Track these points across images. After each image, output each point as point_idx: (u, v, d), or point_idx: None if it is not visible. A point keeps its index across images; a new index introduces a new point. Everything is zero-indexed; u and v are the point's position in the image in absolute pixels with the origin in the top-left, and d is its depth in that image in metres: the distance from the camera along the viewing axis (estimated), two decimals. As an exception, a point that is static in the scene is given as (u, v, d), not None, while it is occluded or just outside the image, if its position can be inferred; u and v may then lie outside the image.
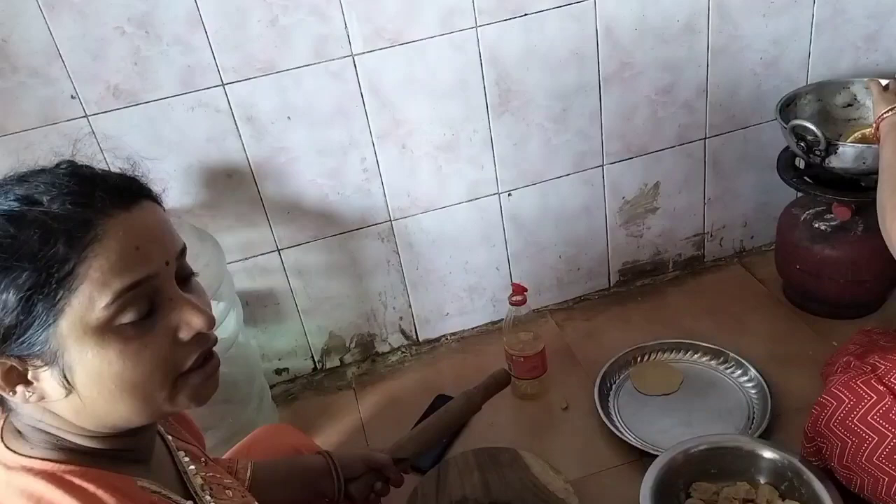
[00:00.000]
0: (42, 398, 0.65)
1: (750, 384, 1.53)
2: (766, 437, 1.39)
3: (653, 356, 1.64)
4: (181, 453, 0.84)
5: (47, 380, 0.64)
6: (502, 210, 1.68)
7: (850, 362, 1.28)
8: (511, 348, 1.56)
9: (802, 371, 1.52)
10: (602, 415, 1.49)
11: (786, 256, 1.68)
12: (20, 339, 0.62)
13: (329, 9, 1.37)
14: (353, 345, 1.77)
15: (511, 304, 1.53)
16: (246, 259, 1.58)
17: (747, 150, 1.75)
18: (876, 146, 1.30)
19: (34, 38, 1.27)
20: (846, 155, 1.42)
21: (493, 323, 1.82)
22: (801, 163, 1.56)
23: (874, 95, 1.35)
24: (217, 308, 1.38)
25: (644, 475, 1.24)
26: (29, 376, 0.64)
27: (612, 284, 1.87)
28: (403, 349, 1.80)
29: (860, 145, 1.41)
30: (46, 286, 0.61)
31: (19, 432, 0.69)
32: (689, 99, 1.65)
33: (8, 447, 0.68)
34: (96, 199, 0.64)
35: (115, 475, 0.67)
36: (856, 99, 1.62)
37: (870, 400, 1.13)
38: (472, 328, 1.83)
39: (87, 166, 0.69)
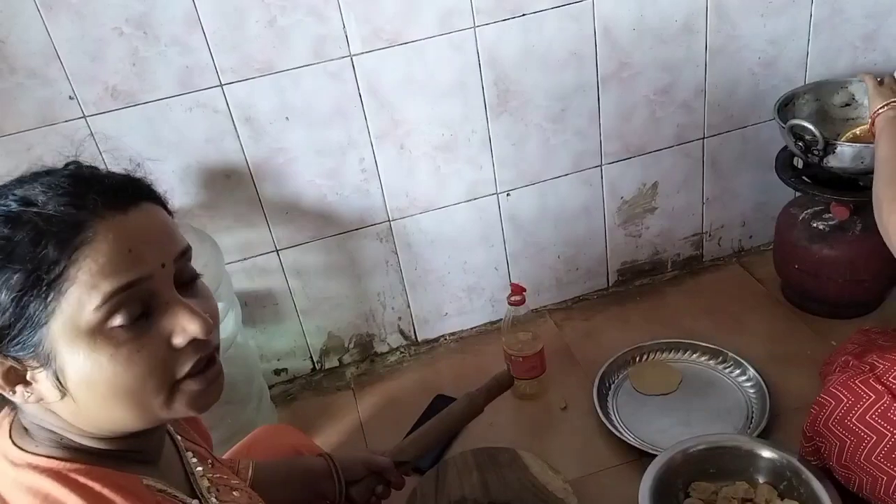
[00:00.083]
0: (40, 399, 0.65)
1: (748, 384, 1.53)
2: (765, 436, 1.39)
3: (651, 356, 1.64)
4: (189, 454, 0.83)
5: (43, 381, 0.64)
6: (501, 210, 1.68)
7: (849, 362, 1.28)
8: (510, 348, 1.56)
9: (801, 370, 1.52)
10: (601, 415, 1.49)
11: (784, 256, 1.68)
12: (14, 340, 0.62)
13: (327, 9, 1.37)
14: (351, 345, 1.77)
15: (510, 304, 1.53)
16: (244, 259, 1.58)
17: (745, 149, 1.76)
18: (873, 146, 1.30)
19: (32, 39, 1.27)
20: (844, 154, 1.43)
21: (492, 323, 1.82)
22: (799, 162, 1.56)
23: (869, 90, 1.35)
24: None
25: (643, 475, 1.24)
26: (27, 377, 0.64)
27: (610, 284, 1.87)
28: (402, 349, 1.80)
29: (858, 145, 1.42)
30: (37, 287, 0.61)
31: (26, 430, 0.69)
32: (687, 99, 1.65)
33: (15, 444, 0.68)
34: (89, 201, 0.63)
35: (120, 473, 0.67)
36: (854, 98, 1.62)
37: (868, 399, 1.13)
38: (471, 328, 1.83)
39: (90, 167, 0.69)
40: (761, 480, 1.26)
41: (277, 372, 1.75)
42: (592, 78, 1.57)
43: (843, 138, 1.46)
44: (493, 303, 1.80)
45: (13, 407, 0.70)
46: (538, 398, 1.60)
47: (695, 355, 1.62)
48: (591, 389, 1.55)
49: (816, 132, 1.42)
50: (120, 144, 1.33)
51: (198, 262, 0.73)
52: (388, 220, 1.62)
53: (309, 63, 1.41)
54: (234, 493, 0.84)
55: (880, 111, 1.27)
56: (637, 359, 1.64)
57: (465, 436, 1.53)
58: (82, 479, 0.65)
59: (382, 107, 1.49)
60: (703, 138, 1.72)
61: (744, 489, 1.24)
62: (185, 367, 0.67)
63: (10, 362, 0.63)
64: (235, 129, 1.44)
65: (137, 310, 0.64)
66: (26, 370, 0.63)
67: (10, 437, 0.69)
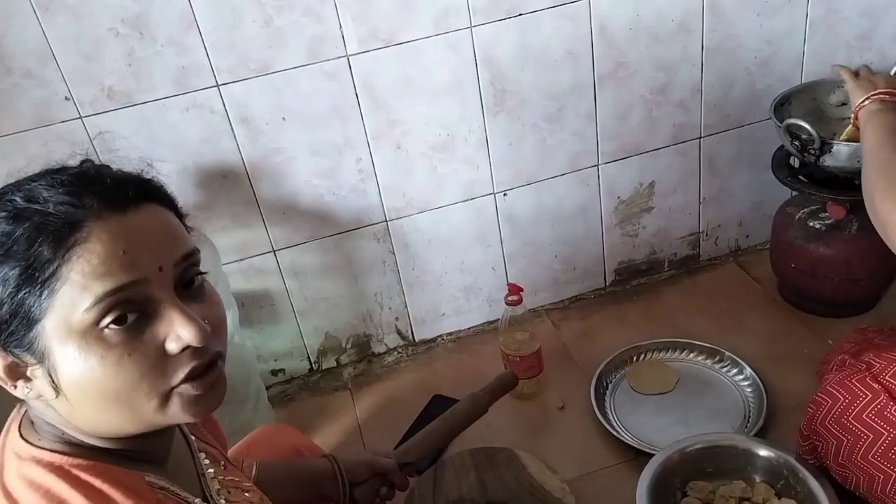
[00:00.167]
0: (39, 396, 0.65)
1: (746, 383, 1.53)
2: (762, 435, 1.39)
3: (649, 355, 1.64)
4: (202, 455, 0.83)
5: (40, 378, 0.64)
6: (498, 210, 1.68)
7: (846, 360, 1.28)
8: (507, 348, 1.56)
9: (798, 370, 1.53)
10: (598, 414, 1.49)
11: (781, 255, 1.69)
12: (11, 335, 0.62)
13: (323, 9, 1.37)
14: (349, 345, 1.77)
15: (507, 303, 1.53)
16: (241, 260, 1.58)
17: (742, 149, 1.76)
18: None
19: (28, 40, 1.27)
20: (840, 154, 1.43)
21: (490, 323, 1.82)
22: (795, 162, 1.57)
23: (848, 85, 1.34)
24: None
25: (640, 474, 1.24)
26: (27, 373, 0.64)
27: (607, 284, 1.87)
28: (400, 349, 1.80)
29: (854, 144, 1.42)
30: (32, 284, 0.61)
31: (32, 423, 0.69)
32: (683, 98, 1.65)
33: (22, 437, 0.68)
34: (87, 200, 0.63)
35: (122, 470, 0.67)
36: (850, 98, 1.62)
37: (865, 398, 1.14)
38: (469, 328, 1.83)
39: (101, 166, 0.69)
40: (758, 479, 1.27)
41: (275, 372, 1.75)
42: (589, 77, 1.57)
43: (842, 135, 1.46)
44: (490, 303, 1.80)
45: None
46: (535, 398, 1.60)
47: (692, 355, 1.62)
48: (588, 389, 1.55)
49: (812, 131, 1.42)
50: (114, 145, 1.33)
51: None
52: (385, 221, 1.62)
53: (305, 63, 1.41)
54: (245, 494, 0.83)
55: (863, 105, 1.27)
56: (634, 358, 1.64)
57: (462, 436, 1.52)
58: (83, 476, 0.65)
59: (379, 107, 1.49)
60: (700, 138, 1.72)
61: (741, 488, 1.24)
62: (178, 375, 0.65)
63: (11, 357, 0.63)
64: (232, 129, 1.43)
65: (132, 313, 0.63)
66: (26, 366, 0.64)
67: (20, 429, 0.69)
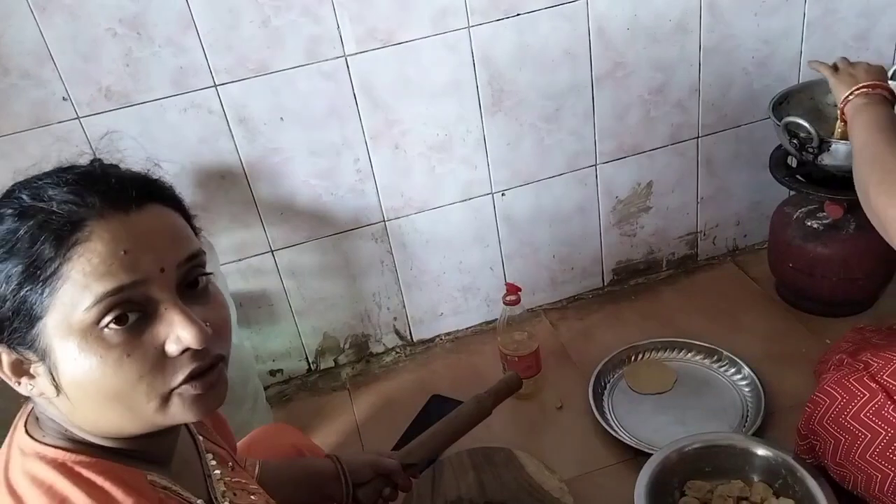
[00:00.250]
0: (42, 393, 0.65)
1: (743, 382, 1.53)
2: (760, 435, 1.39)
3: (647, 355, 1.64)
4: (209, 455, 0.83)
5: (42, 376, 0.64)
6: (496, 210, 1.68)
7: (843, 360, 1.28)
8: (505, 348, 1.56)
9: (796, 369, 1.53)
10: (596, 414, 1.49)
11: (779, 255, 1.69)
12: (14, 332, 0.62)
13: (321, 9, 1.37)
14: (347, 345, 1.76)
15: (505, 303, 1.53)
16: (240, 260, 1.57)
17: (739, 148, 1.76)
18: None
19: (25, 40, 1.27)
20: (839, 152, 1.43)
21: (488, 323, 1.82)
22: (793, 161, 1.57)
23: (829, 81, 1.33)
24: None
25: (638, 474, 1.24)
26: (31, 370, 0.64)
27: (605, 284, 1.87)
28: (398, 349, 1.80)
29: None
30: (34, 282, 0.61)
31: (37, 419, 0.70)
32: (681, 98, 1.65)
33: (28, 432, 0.68)
34: (89, 200, 0.63)
35: (124, 468, 0.67)
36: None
37: (862, 397, 1.14)
38: (467, 328, 1.83)
39: (109, 165, 0.69)
40: (756, 479, 1.27)
41: (273, 373, 1.75)
42: (587, 77, 1.57)
43: (836, 135, 1.46)
44: (488, 303, 1.80)
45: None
46: (534, 398, 1.60)
47: (690, 354, 1.62)
48: (586, 389, 1.55)
49: (811, 129, 1.42)
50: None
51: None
52: (384, 221, 1.62)
53: (303, 63, 1.41)
54: (251, 497, 0.83)
55: (848, 100, 1.27)
56: (632, 358, 1.64)
57: (460, 436, 1.53)
58: (86, 473, 0.65)
59: (377, 107, 1.49)
60: (698, 137, 1.72)
61: (739, 487, 1.25)
62: (178, 377, 0.65)
63: (15, 354, 0.64)
64: (230, 129, 1.43)
65: (133, 314, 0.63)
66: (29, 363, 0.64)
67: (25, 426, 0.69)
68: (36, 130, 1.34)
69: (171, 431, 0.72)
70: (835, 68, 1.34)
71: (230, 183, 1.48)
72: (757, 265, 1.84)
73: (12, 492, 0.64)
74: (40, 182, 0.65)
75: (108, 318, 0.62)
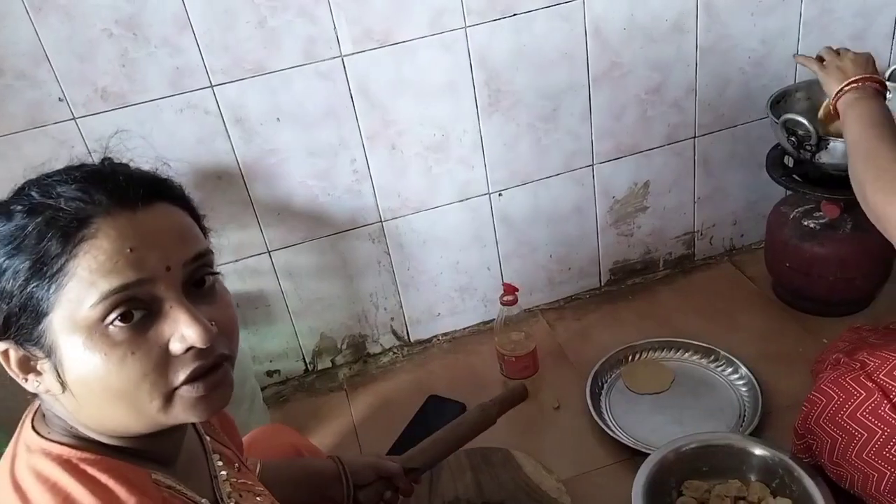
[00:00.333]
0: (48, 390, 0.65)
1: (741, 382, 1.53)
2: (757, 434, 1.40)
3: (644, 355, 1.65)
4: (216, 456, 0.83)
5: (48, 373, 0.64)
6: (493, 210, 1.68)
7: (840, 359, 1.28)
8: (503, 348, 1.56)
9: (793, 369, 1.53)
10: (594, 414, 1.49)
11: (775, 254, 1.69)
12: (21, 328, 0.63)
13: (317, 10, 1.36)
14: (344, 346, 1.76)
15: (502, 304, 1.53)
16: (236, 261, 1.57)
17: (736, 148, 1.76)
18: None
19: (21, 40, 1.26)
20: (836, 150, 1.43)
21: (485, 323, 1.82)
22: (789, 161, 1.57)
23: (818, 75, 1.32)
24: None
25: (636, 473, 1.24)
26: (38, 367, 0.65)
27: (602, 284, 1.87)
28: (395, 350, 1.80)
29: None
30: (40, 278, 0.61)
31: (44, 416, 0.70)
32: (678, 98, 1.65)
33: (34, 429, 0.69)
34: (97, 197, 0.63)
35: (128, 466, 0.67)
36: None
37: (859, 397, 1.14)
38: (464, 328, 1.83)
39: (118, 164, 0.69)
40: (753, 478, 1.27)
41: (270, 373, 1.75)
42: (584, 77, 1.57)
43: (819, 114, 1.46)
44: (485, 303, 1.80)
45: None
46: (531, 398, 1.59)
47: (687, 354, 1.62)
48: (583, 389, 1.55)
49: (810, 126, 1.42)
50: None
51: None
52: (380, 221, 1.62)
53: (300, 64, 1.41)
54: (257, 498, 0.83)
55: (841, 94, 1.26)
56: (629, 358, 1.64)
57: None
58: (90, 470, 0.65)
59: (374, 107, 1.48)
60: (695, 137, 1.72)
61: (736, 487, 1.25)
62: (181, 376, 0.65)
63: (23, 351, 0.64)
64: (226, 130, 1.43)
65: (138, 312, 0.63)
66: (36, 360, 0.64)
67: (32, 422, 0.70)
68: (32, 131, 1.34)
69: (176, 431, 0.72)
70: (820, 60, 1.33)
71: (227, 183, 1.48)
72: (754, 265, 1.85)
73: (17, 487, 0.64)
74: (50, 179, 0.65)
75: (112, 315, 0.62)
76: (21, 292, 0.62)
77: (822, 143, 1.43)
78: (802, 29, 1.64)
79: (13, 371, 0.65)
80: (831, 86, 1.28)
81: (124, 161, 0.71)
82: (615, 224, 1.79)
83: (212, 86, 1.39)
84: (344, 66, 1.43)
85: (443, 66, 1.48)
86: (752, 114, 1.71)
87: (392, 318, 1.76)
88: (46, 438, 0.67)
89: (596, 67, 1.57)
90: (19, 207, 0.63)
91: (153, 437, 0.69)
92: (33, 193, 0.64)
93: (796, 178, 1.56)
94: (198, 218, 0.72)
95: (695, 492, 1.26)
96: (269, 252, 1.59)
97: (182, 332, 0.64)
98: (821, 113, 1.45)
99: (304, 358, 1.75)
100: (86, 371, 0.62)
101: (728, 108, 1.70)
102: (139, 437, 0.68)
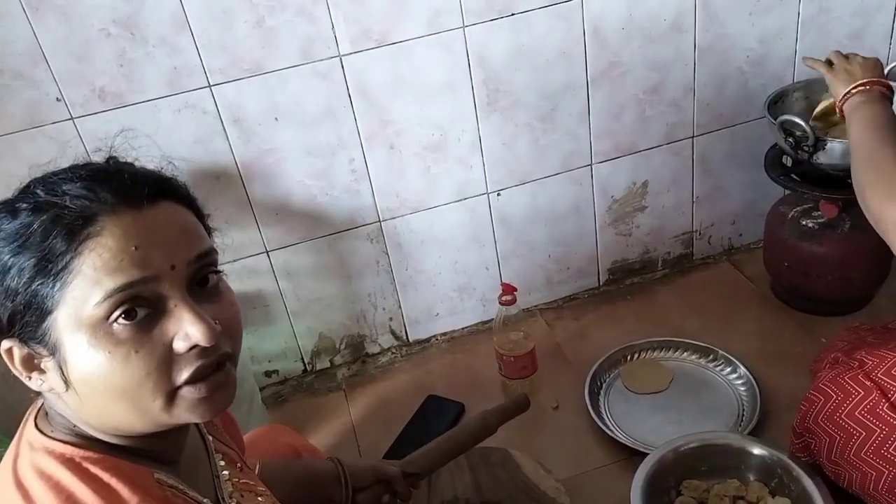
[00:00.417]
0: (51, 388, 0.65)
1: (739, 381, 1.53)
2: (756, 434, 1.40)
3: (643, 354, 1.64)
4: (218, 456, 0.83)
5: (52, 371, 0.64)
6: (491, 210, 1.68)
7: (838, 358, 1.29)
8: (501, 348, 1.56)
9: (791, 368, 1.53)
10: (592, 413, 1.49)
11: (774, 254, 1.69)
12: (25, 326, 0.63)
13: (315, 10, 1.36)
14: (342, 346, 1.76)
15: (501, 303, 1.53)
16: (235, 261, 1.57)
17: (735, 148, 1.76)
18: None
19: (18, 40, 1.26)
20: (834, 151, 1.43)
21: (484, 323, 1.82)
22: (788, 160, 1.57)
23: (826, 77, 1.32)
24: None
25: (635, 473, 1.24)
26: (41, 365, 0.65)
27: (601, 283, 1.87)
28: (394, 350, 1.80)
29: (848, 141, 1.42)
30: (45, 276, 0.61)
31: (47, 414, 0.70)
32: (676, 98, 1.65)
33: (37, 427, 0.69)
34: (102, 195, 0.63)
35: (131, 465, 0.67)
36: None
37: (857, 396, 1.14)
38: (463, 328, 1.83)
39: (123, 163, 0.69)
40: (752, 478, 1.27)
41: (268, 374, 1.75)
42: (582, 77, 1.57)
43: (819, 106, 1.46)
44: (484, 303, 1.80)
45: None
46: (530, 398, 1.59)
47: (685, 354, 1.62)
48: (582, 388, 1.55)
49: (807, 127, 1.42)
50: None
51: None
52: (379, 221, 1.62)
53: (298, 63, 1.40)
54: (258, 499, 0.83)
55: (847, 97, 1.26)
56: (628, 357, 1.64)
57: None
58: (93, 469, 0.65)
59: (372, 107, 1.48)
60: (693, 137, 1.72)
61: (735, 487, 1.25)
62: (184, 374, 0.65)
63: (27, 349, 0.64)
64: (224, 130, 1.43)
65: (142, 310, 0.63)
66: (40, 358, 0.64)
67: (35, 420, 0.70)
68: (30, 131, 1.33)
69: (179, 431, 0.72)
70: (829, 64, 1.33)
71: (225, 184, 1.48)
72: (752, 264, 1.85)
73: (20, 485, 0.64)
74: (55, 177, 0.65)
75: (117, 313, 0.62)
76: (26, 290, 0.62)
77: (819, 144, 1.43)
78: (800, 28, 1.64)
79: (17, 369, 0.66)
80: (838, 88, 1.28)
81: (129, 160, 0.71)
82: (614, 224, 1.79)
83: (210, 86, 1.38)
84: (342, 66, 1.43)
85: (441, 66, 1.48)
86: (751, 113, 1.71)
87: (391, 318, 1.76)
88: (49, 437, 0.67)
89: (594, 67, 1.57)
90: (25, 205, 0.63)
91: (156, 436, 0.69)
92: (39, 191, 0.64)
93: (795, 177, 1.56)
94: (202, 217, 0.72)
95: (693, 491, 1.26)
96: (267, 252, 1.59)
97: (186, 330, 0.64)
98: (817, 110, 1.45)
99: (302, 358, 1.75)
100: (90, 369, 0.62)
101: (726, 107, 1.70)
102: (142, 436, 0.69)
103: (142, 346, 0.63)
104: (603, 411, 1.53)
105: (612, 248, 1.83)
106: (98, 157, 0.71)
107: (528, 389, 1.59)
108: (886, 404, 1.10)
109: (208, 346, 0.64)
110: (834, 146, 1.42)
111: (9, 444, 0.71)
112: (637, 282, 1.88)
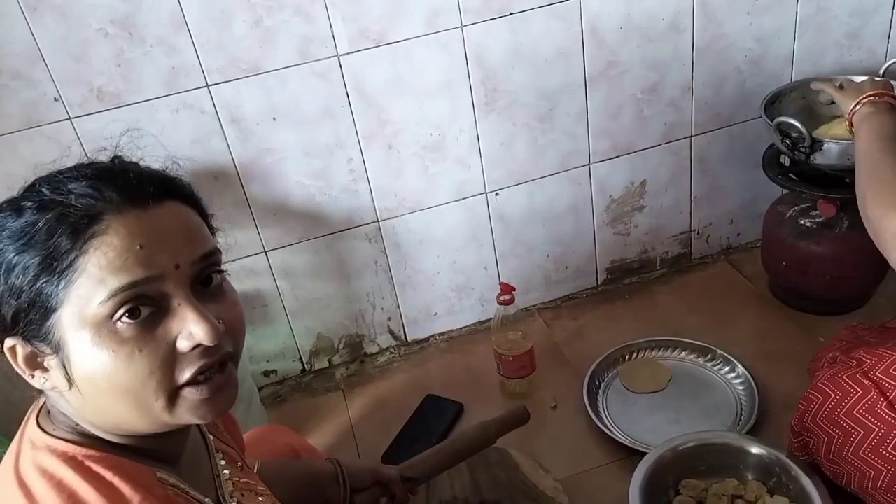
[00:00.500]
0: (54, 387, 0.66)
1: (737, 381, 1.53)
2: (754, 433, 1.40)
3: (641, 354, 1.65)
4: (219, 455, 0.83)
5: (55, 369, 0.64)
6: (490, 210, 1.68)
7: (836, 357, 1.29)
8: (500, 348, 1.56)
9: (789, 367, 1.53)
10: (591, 413, 1.49)
11: (772, 253, 1.69)
12: (29, 324, 0.63)
13: (313, 9, 1.36)
14: (341, 346, 1.76)
15: (499, 303, 1.53)
16: (233, 261, 1.57)
17: (733, 147, 1.76)
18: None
19: (16, 40, 1.26)
20: (831, 151, 1.43)
21: (482, 322, 1.82)
22: (786, 160, 1.57)
23: (835, 97, 1.35)
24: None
25: (633, 473, 1.24)
26: (45, 363, 0.65)
27: (599, 283, 1.87)
28: (392, 350, 1.80)
29: (844, 142, 1.42)
30: (50, 274, 0.61)
31: (49, 413, 0.70)
32: (674, 97, 1.65)
33: (39, 425, 0.69)
34: (108, 194, 0.63)
35: (133, 464, 0.67)
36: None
37: (855, 394, 1.14)
38: (461, 328, 1.83)
39: (128, 162, 0.70)
40: (751, 477, 1.27)
41: (267, 373, 1.74)
42: (580, 77, 1.57)
43: (830, 129, 1.47)
44: (482, 302, 1.80)
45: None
46: (528, 397, 1.60)
47: (684, 353, 1.63)
48: (580, 388, 1.55)
49: (803, 129, 1.42)
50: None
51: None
52: (377, 221, 1.62)
53: (296, 63, 1.40)
54: (259, 498, 0.83)
55: (855, 109, 1.28)
56: (626, 357, 1.64)
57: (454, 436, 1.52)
58: (95, 467, 0.65)
59: (370, 107, 1.48)
60: (691, 136, 1.72)
61: (733, 486, 1.25)
62: (186, 374, 0.65)
63: (30, 347, 0.64)
64: (222, 129, 1.43)
65: (146, 309, 0.63)
66: (43, 356, 0.64)
67: (37, 419, 0.70)
68: (27, 131, 1.33)
69: (181, 430, 0.72)
70: (840, 87, 1.35)
71: (223, 184, 1.48)
72: (750, 264, 1.85)
73: (22, 484, 0.64)
74: (61, 176, 0.66)
75: (121, 312, 0.62)
76: (30, 288, 0.62)
77: (816, 145, 1.44)
78: (798, 28, 1.65)
79: (20, 367, 0.66)
80: (847, 102, 1.30)
81: (134, 159, 0.71)
82: (612, 223, 1.79)
83: (207, 85, 1.38)
84: (340, 66, 1.43)
85: (439, 66, 1.48)
86: (749, 113, 1.71)
87: (389, 318, 1.76)
88: (51, 435, 0.67)
89: (592, 67, 1.57)
90: (30, 204, 0.63)
91: (158, 435, 0.69)
92: (44, 190, 0.64)
93: (793, 176, 1.56)
94: (206, 217, 0.73)
95: (692, 491, 1.26)
96: (265, 252, 1.58)
97: (190, 329, 0.64)
98: (819, 131, 1.45)
99: (301, 358, 1.75)
100: (93, 368, 0.63)
101: (724, 107, 1.70)
102: (144, 435, 0.69)
103: (145, 344, 0.63)
104: (601, 411, 1.53)
105: (611, 247, 1.83)
106: (103, 157, 0.71)
107: (527, 389, 1.60)
108: (885, 403, 1.10)
109: (211, 345, 0.65)
110: (831, 147, 1.43)
111: (8, 445, 0.71)
112: (635, 281, 1.88)
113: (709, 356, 1.60)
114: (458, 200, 1.65)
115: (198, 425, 0.83)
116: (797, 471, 1.20)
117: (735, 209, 1.86)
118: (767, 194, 1.74)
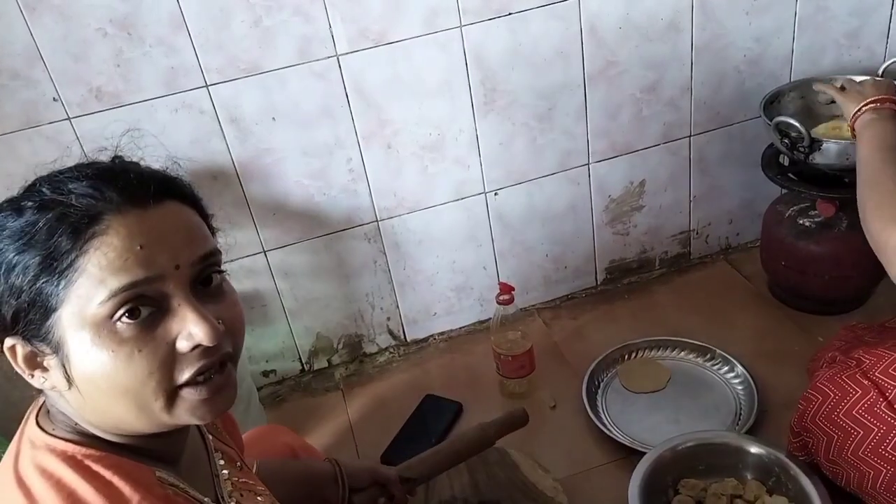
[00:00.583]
0: (54, 386, 0.66)
1: (737, 380, 1.53)
2: (753, 432, 1.40)
3: (640, 354, 1.65)
4: (218, 455, 0.83)
5: (54, 369, 0.65)
6: (489, 209, 1.68)
7: (836, 357, 1.29)
8: (499, 347, 1.56)
9: (788, 367, 1.53)
10: (590, 413, 1.49)
11: (771, 253, 1.69)
12: (29, 324, 0.63)
13: (313, 9, 1.36)
14: (340, 346, 1.76)
15: (498, 303, 1.53)
16: (232, 261, 1.57)
17: (732, 147, 1.76)
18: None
19: (15, 40, 1.26)
20: (829, 151, 1.43)
21: (481, 322, 1.82)
22: (785, 160, 1.57)
23: (837, 99, 1.35)
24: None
25: (632, 472, 1.24)
26: (44, 363, 0.65)
27: (598, 283, 1.87)
28: (391, 349, 1.80)
29: (843, 141, 1.42)
30: (50, 274, 0.62)
31: (48, 412, 0.70)
32: (673, 97, 1.65)
33: (39, 425, 0.69)
34: (108, 194, 0.63)
35: (132, 463, 0.67)
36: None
37: (855, 394, 1.14)
38: (460, 328, 1.83)
39: (129, 162, 0.70)
40: (750, 477, 1.27)
41: (266, 373, 1.74)
42: (579, 76, 1.57)
43: (827, 131, 1.47)
44: (481, 302, 1.80)
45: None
46: (527, 397, 1.60)
47: (683, 353, 1.63)
48: (580, 388, 1.55)
49: (802, 129, 1.42)
50: (105, 145, 1.33)
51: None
52: (376, 221, 1.62)
53: (295, 63, 1.40)
54: (258, 498, 0.83)
55: (858, 115, 1.27)
56: (626, 357, 1.64)
57: (454, 436, 1.52)
58: (95, 466, 0.65)
59: (369, 107, 1.48)
60: (690, 136, 1.72)
61: (732, 485, 1.25)
62: (186, 374, 0.65)
63: (30, 346, 0.64)
64: (221, 129, 1.43)
65: (146, 309, 0.63)
66: (43, 356, 0.64)
67: (37, 418, 0.70)
68: (26, 131, 1.33)
69: (180, 430, 0.72)
70: (841, 88, 1.35)
71: (222, 184, 1.48)
72: (749, 263, 1.85)
73: (21, 483, 0.64)
74: (61, 176, 0.66)
75: (121, 312, 0.62)
76: (30, 288, 0.62)
77: (815, 145, 1.44)
78: (797, 27, 1.65)
79: (20, 367, 0.66)
80: (849, 107, 1.29)
81: (135, 160, 0.71)
82: (611, 223, 1.79)
83: (207, 85, 1.38)
84: (339, 66, 1.43)
85: (438, 66, 1.48)
86: (748, 112, 1.71)
87: (388, 318, 1.76)
88: (51, 435, 0.68)
89: (591, 66, 1.57)
90: (30, 203, 0.64)
91: (157, 435, 0.69)
92: (44, 190, 0.64)
93: (792, 176, 1.56)
94: (206, 217, 0.73)
95: (691, 490, 1.26)
96: (264, 252, 1.58)
97: (189, 329, 0.64)
98: (818, 129, 1.45)
99: (300, 358, 1.75)
100: (93, 367, 0.63)
101: (723, 106, 1.70)
102: (144, 435, 0.69)
103: (145, 345, 0.63)
104: (601, 410, 1.53)
105: (610, 247, 1.83)
106: (103, 157, 0.71)
107: (526, 389, 1.60)
108: (884, 403, 1.10)
109: (211, 345, 0.65)
110: (829, 146, 1.43)
111: (8, 445, 0.71)
112: (634, 281, 1.88)
113: (708, 356, 1.60)
114: (458, 200, 1.65)
115: (197, 425, 0.83)
116: (796, 470, 1.20)
117: (734, 209, 1.86)
118: (766, 194, 1.74)
